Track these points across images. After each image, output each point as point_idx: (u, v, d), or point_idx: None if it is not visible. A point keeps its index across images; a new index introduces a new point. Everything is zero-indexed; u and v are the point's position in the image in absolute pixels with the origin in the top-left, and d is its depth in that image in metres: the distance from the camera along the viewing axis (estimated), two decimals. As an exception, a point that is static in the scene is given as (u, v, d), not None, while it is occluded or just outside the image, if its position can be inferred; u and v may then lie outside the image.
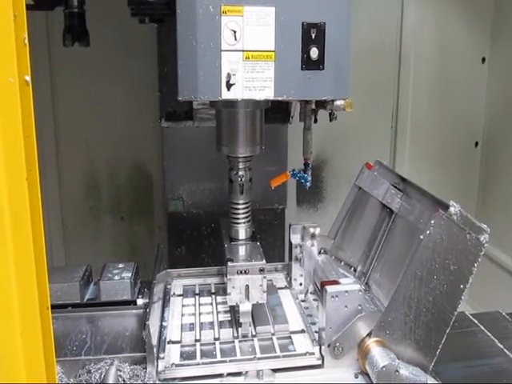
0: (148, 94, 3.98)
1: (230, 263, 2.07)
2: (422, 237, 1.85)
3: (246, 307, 2.09)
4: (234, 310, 2.25)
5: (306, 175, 2.37)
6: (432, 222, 1.84)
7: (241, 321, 2.11)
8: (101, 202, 4.36)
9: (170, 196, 3.66)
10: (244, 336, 2.11)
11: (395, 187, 2.34)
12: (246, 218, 2.33)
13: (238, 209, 2.31)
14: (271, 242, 3.70)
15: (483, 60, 4.50)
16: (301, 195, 4.58)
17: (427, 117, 4.56)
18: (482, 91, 4.54)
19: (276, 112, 3.03)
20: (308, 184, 2.38)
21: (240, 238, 2.33)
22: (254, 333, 2.12)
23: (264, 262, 2.11)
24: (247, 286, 2.06)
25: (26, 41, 1.06)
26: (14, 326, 1.07)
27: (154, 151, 4.17)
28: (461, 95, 4.53)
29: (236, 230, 2.33)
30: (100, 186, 4.31)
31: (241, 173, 2.26)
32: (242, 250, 2.28)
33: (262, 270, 2.07)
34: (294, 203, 4.55)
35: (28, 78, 1.07)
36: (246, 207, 2.32)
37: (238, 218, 2.32)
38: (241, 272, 2.05)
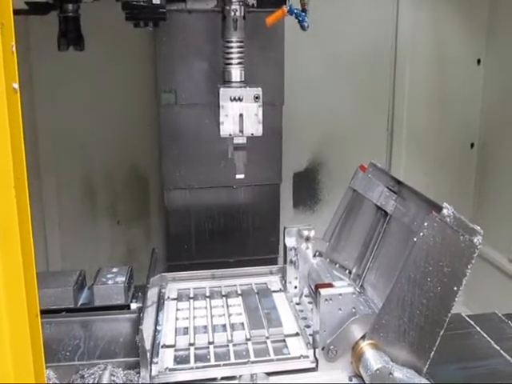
0: (144, 98, 3.98)
1: (222, 88, 1.96)
2: (415, 239, 1.85)
3: (240, 139, 2.02)
4: (228, 314, 2.25)
5: (303, 14, 2.26)
6: (425, 224, 1.84)
7: (234, 157, 2.02)
8: (97, 205, 4.35)
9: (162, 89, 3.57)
10: (240, 173, 2.05)
11: (390, 189, 2.33)
12: (240, 58, 2.18)
13: (231, 47, 2.18)
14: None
15: (478, 61, 4.51)
16: (297, 197, 4.59)
17: (423, 119, 4.57)
18: (477, 92, 4.55)
19: None
20: (305, 24, 2.27)
21: (233, 79, 2.17)
22: (248, 336, 2.11)
23: (259, 89, 2.01)
24: (241, 116, 1.97)
25: (14, 48, 1.06)
26: (2, 335, 1.06)
27: (151, 155, 4.17)
28: (456, 97, 4.54)
29: (229, 72, 2.18)
30: (96, 189, 4.31)
31: (234, 6, 2.15)
32: (235, 84, 2.14)
33: (257, 98, 1.98)
34: (290, 205, 4.56)
35: (16, 85, 1.06)
36: (240, 46, 2.19)
37: (231, 58, 2.18)
38: (234, 99, 1.96)
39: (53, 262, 4.26)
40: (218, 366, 1.93)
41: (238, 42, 2.18)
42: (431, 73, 4.52)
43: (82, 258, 4.26)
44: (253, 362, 1.95)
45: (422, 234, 1.84)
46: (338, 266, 2.45)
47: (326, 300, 1.89)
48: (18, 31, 1.08)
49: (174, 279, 2.53)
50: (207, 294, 2.44)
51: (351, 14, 4.30)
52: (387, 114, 4.59)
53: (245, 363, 1.95)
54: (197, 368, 1.92)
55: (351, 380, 1.94)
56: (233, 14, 2.13)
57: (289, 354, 2.02)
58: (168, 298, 2.40)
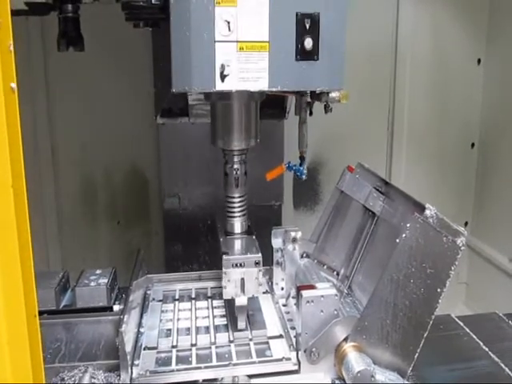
0: (144, 98, 3.98)
1: (225, 256, 2.06)
2: (397, 240, 1.83)
3: (241, 301, 2.09)
4: (213, 316, 2.25)
5: (301, 168, 2.34)
6: (408, 225, 1.82)
7: (236, 315, 2.10)
8: (97, 206, 4.36)
9: (166, 193, 3.67)
10: (240, 330, 2.11)
11: (377, 190, 2.32)
12: (242, 211, 2.31)
13: (234, 202, 2.28)
14: (268, 239, 3.69)
15: (479, 61, 4.48)
16: (297, 198, 4.57)
17: (423, 118, 4.54)
18: (477, 92, 4.52)
19: (272, 107, 3.01)
20: (303, 177, 2.34)
21: (235, 231, 2.31)
22: (231, 338, 2.10)
23: (260, 255, 2.09)
24: (243, 280, 2.05)
25: (12, 48, 1.06)
26: (0, 335, 1.06)
27: (150, 155, 4.17)
28: (457, 96, 4.52)
29: (231, 224, 2.31)
30: (96, 190, 4.32)
31: (236, 166, 2.24)
32: (237, 244, 2.25)
33: (257, 263, 2.06)
34: (290, 206, 4.54)
35: (14, 85, 1.06)
36: (242, 200, 2.30)
37: (234, 212, 2.29)
38: (236, 265, 2.04)
39: (53, 263, 4.26)
40: (200, 368, 1.92)
41: (239, 197, 2.30)
42: (431, 73, 4.49)
43: (82, 259, 4.27)
44: (235, 365, 1.94)
45: (404, 235, 1.82)
46: (325, 267, 2.44)
47: (308, 302, 1.87)
48: (18, 32, 1.08)
49: (160, 281, 2.53)
50: (193, 296, 2.43)
51: (351, 13, 4.26)
52: (387, 113, 4.56)
53: (226, 365, 1.94)
54: (178, 370, 1.91)
55: (334, 382, 1.92)
56: (234, 172, 2.24)
57: (271, 356, 2.01)
58: (153, 299, 2.39)
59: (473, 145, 4.62)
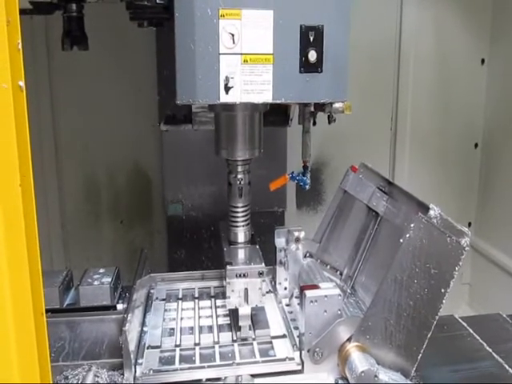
0: (147, 98, 3.98)
1: (229, 266, 2.07)
2: (401, 240, 1.83)
3: (245, 310, 2.09)
4: (216, 315, 2.26)
5: (304, 178, 2.36)
6: (412, 225, 1.82)
7: (240, 324, 2.10)
8: (100, 206, 4.36)
9: (169, 199, 3.67)
10: (243, 339, 2.11)
11: (381, 190, 2.32)
12: (245, 221, 2.32)
13: (237, 212, 2.30)
14: (271, 245, 3.69)
15: (482, 61, 4.46)
16: (300, 198, 4.56)
17: (427, 118, 4.52)
18: (481, 92, 4.50)
19: (275, 115, 3.03)
20: (307, 187, 2.36)
21: (239, 241, 2.32)
22: (234, 337, 2.11)
23: (263, 265, 2.10)
24: (246, 290, 2.06)
25: (20, 46, 1.06)
26: (8, 333, 1.06)
27: (154, 155, 4.17)
28: (460, 96, 4.50)
29: (235, 233, 2.32)
30: (99, 190, 4.32)
31: (240, 176, 2.25)
32: (241, 254, 2.27)
33: (261, 274, 2.07)
34: (293, 206, 4.54)
35: (22, 83, 1.06)
36: (245, 210, 2.31)
37: (237, 221, 2.30)
38: (240, 275, 2.05)
39: (56, 262, 4.27)
40: (203, 367, 1.93)
41: (243, 207, 2.31)
42: (435, 72, 4.47)
43: (85, 258, 4.27)
44: (238, 364, 1.95)
45: (408, 235, 1.82)
46: (328, 267, 2.44)
47: (312, 301, 1.87)
48: (23, 31, 1.08)
49: (164, 280, 2.53)
50: (196, 295, 2.44)
51: (355, 13, 4.25)
52: (391, 113, 4.55)
53: (230, 365, 1.94)
54: (181, 369, 1.91)
55: (338, 382, 1.92)
56: (238, 182, 2.26)
57: (275, 355, 2.01)
58: (156, 298, 2.40)
59: (476, 145, 4.61)
